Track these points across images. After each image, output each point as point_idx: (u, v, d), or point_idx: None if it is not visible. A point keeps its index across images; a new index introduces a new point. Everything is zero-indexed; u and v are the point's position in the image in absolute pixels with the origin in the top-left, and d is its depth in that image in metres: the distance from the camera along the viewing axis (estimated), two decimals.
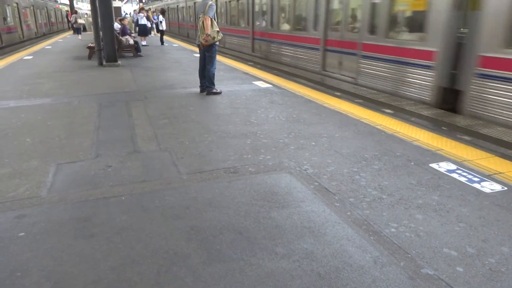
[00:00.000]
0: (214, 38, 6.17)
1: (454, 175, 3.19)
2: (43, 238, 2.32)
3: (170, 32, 29.00)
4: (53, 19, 36.02)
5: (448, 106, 6.15)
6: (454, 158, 3.57)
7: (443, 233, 2.36)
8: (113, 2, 12.31)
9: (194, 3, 23.13)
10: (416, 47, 6.63)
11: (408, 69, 6.86)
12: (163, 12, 18.56)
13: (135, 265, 2.07)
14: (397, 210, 2.63)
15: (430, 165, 3.41)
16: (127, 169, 3.35)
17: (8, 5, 20.86)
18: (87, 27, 25.91)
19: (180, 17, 29.19)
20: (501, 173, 3.24)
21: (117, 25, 11.97)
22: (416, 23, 6.82)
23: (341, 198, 2.80)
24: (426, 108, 6.25)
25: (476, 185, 3.00)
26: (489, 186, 2.98)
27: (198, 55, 6.81)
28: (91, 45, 11.18)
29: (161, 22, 17.72)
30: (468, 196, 2.83)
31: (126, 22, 14.41)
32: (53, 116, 5.11)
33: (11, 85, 7.32)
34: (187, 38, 24.61)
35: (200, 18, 6.22)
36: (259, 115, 5.09)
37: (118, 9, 29.02)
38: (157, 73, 8.92)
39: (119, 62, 10.31)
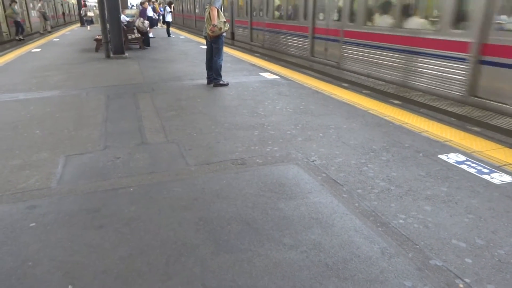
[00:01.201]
0: (220, 29, 6.13)
1: (463, 166, 3.16)
2: (54, 228, 2.35)
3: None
4: (60, 12, 36.21)
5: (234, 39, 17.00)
6: (463, 149, 3.53)
7: (452, 224, 2.34)
8: None
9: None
10: (243, 20, 16.04)
11: (242, 29, 16.50)
12: (170, 4, 18.49)
13: (144, 255, 2.10)
14: (405, 201, 2.61)
15: (439, 156, 3.38)
16: (135, 161, 3.37)
17: None
18: (94, 20, 25.92)
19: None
20: (511, 164, 3.21)
21: (124, 18, 11.94)
22: (243, 11, 16.51)
23: (349, 189, 2.79)
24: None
25: (486, 176, 2.97)
26: (498, 178, 2.95)
27: (205, 46, 6.79)
28: (98, 38, 11.20)
29: (169, 12, 17.68)
30: (477, 187, 2.81)
31: (146, 5, 13.79)
32: (62, 108, 5.15)
33: (20, 78, 7.38)
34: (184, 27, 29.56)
35: (207, 9, 6.18)
36: (266, 107, 5.08)
37: (125, 1, 28.93)
38: (164, 65, 8.92)
39: (126, 54, 10.33)
